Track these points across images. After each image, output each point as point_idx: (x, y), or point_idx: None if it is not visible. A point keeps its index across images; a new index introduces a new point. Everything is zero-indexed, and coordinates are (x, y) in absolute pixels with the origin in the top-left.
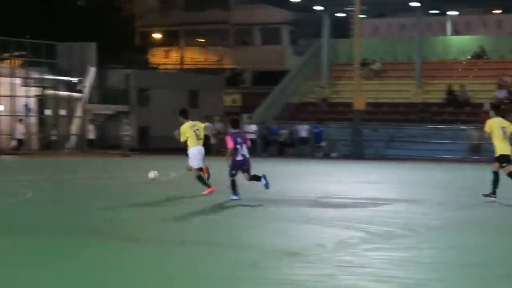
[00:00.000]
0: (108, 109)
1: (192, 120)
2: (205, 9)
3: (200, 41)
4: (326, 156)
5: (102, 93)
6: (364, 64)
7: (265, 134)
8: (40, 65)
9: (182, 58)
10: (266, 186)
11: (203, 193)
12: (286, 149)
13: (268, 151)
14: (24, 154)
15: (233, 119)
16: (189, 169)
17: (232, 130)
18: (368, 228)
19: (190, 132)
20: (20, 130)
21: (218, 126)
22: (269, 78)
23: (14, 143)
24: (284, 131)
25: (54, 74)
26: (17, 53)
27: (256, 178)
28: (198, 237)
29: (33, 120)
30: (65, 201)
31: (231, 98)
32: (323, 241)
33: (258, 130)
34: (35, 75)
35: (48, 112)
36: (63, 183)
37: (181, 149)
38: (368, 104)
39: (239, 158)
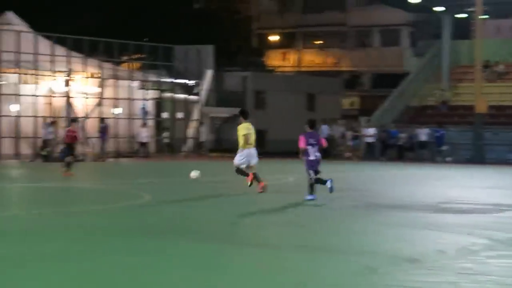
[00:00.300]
0: (224, 112)
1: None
2: (323, 11)
3: (317, 43)
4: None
5: (219, 96)
6: (487, 66)
7: (384, 138)
8: (157, 68)
9: (299, 60)
10: (331, 190)
11: (247, 181)
12: (406, 153)
13: (387, 155)
14: (142, 157)
15: (310, 119)
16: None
17: (308, 130)
18: (490, 234)
19: (244, 132)
20: (144, 134)
21: (341, 129)
22: (388, 80)
23: (138, 146)
24: (403, 135)
25: (171, 77)
26: (135, 56)
27: (321, 181)
28: (315, 242)
29: (150, 123)
30: (181, 205)
31: (349, 101)
32: (443, 247)
33: (376, 133)
34: (152, 78)
35: (165, 115)
36: (180, 186)
37: (298, 153)
38: (491, 107)
39: (312, 157)
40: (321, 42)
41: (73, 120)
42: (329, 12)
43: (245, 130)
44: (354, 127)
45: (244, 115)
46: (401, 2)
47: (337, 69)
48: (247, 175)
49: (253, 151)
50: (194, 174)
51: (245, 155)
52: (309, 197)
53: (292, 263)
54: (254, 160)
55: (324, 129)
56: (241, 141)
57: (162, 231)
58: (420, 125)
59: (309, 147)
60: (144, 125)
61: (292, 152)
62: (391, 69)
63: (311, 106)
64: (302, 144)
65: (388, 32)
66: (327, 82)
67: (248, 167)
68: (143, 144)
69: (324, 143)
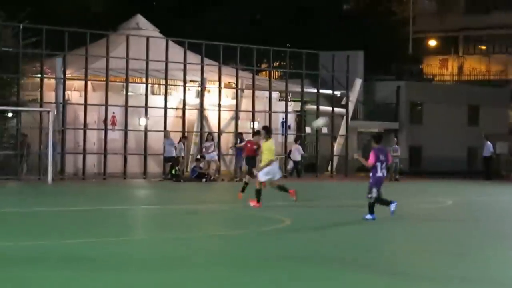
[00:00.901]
0: (374, 127)
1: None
2: (489, 12)
3: (481, 49)
4: None
5: (369, 108)
6: None
7: None
8: (299, 77)
9: (460, 68)
10: (392, 213)
11: (250, 204)
12: None
13: None
14: (297, 177)
15: (376, 134)
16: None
17: (376, 146)
18: None
19: (270, 153)
20: (298, 152)
21: None
22: None
23: (291, 164)
24: None
25: (316, 87)
26: (275, 64)
27: (385, 203)
28: (474, 273)
29: (291, 138)
30: (323, 230)
31: None
32: None
33: None
34: (294, 88)
35: (308, 129)
36: (321, 210)
37: (458, 173)
38: None
39: (380, 174)
40: (485, 47)
41: (256, 132)
42: (497, 13)
43: (270, 149)
44: None
45: (268, 132)
46: None
47: (503, 77)
48: (258, 201)
49: (277, 167)
50: (320, 121)
51: (271, 172)
52: (368, 216)
53: None
54: (278, 176)
55: (489, 146)
56: (265, 160)
57: (302, 259)
58: None
59: (378, 164)
60: (296, 142)
61: (452, 172)
62: None
63: (474, 120)
64: (372, 160)
65: None
66: (492, 92)
67: (270, 182)
68: (296, 163)
69: (390, 159)
